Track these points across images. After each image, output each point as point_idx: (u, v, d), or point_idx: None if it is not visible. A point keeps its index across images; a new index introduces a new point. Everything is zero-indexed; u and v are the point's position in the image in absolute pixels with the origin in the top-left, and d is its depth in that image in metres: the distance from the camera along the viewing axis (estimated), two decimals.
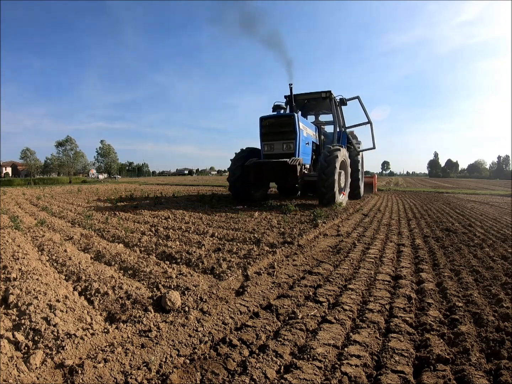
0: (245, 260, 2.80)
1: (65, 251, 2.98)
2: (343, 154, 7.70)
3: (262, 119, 7.70)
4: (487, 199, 11.67)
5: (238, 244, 3.43)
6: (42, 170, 52.98)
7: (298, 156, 7.34)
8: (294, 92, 8.76)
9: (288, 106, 8.72)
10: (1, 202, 8.42)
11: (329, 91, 9.04)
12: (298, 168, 6.94)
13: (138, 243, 3.43)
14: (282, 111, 8.18)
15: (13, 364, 1.23)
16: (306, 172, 7.89)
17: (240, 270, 2.50)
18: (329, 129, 10.92)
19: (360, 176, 10.20)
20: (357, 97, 9.50)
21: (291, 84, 8.17)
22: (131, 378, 1.21)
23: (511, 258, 3.05)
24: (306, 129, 7.92)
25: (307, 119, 10.67)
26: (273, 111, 8.17)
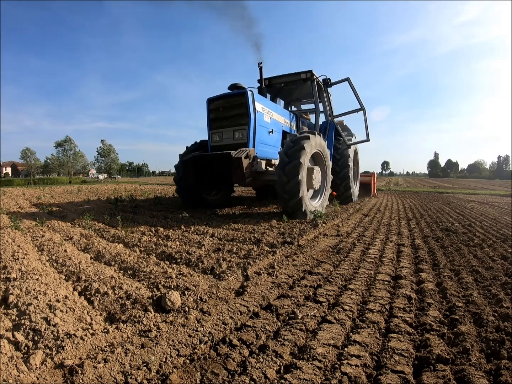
0: (245, 260, 2.80)
1: (65, 251, 2.98)
2: (315, 143, 5.52)
3: (210, 101, 5.90)
4: (487, 199, 11.67)
5: (238, 244, 3.43)
6: (42, 170, 53.01)
7: (253, 147, 5.48)
8: (269, 75, 7.53)
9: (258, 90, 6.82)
10: (1, 202, 8.42)
11: (310, 71, 7.23)
12: (244, 162, 4.99)
13: (138, 243, 3.43)
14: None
15: (13, 364, 1.23)
16: (270, 169, 6.03)
17: (240, 270, 2.50)
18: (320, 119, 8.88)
19: (350, 174, 8.17)
20: (347, 79, 7.53)
21: (261, 63, 6.46)
22: (131, 378, 1.21)
23: (511, 258, 3.06)
24: (269, 112, 6.07)
25: (290, 109, 8.95)
26: None
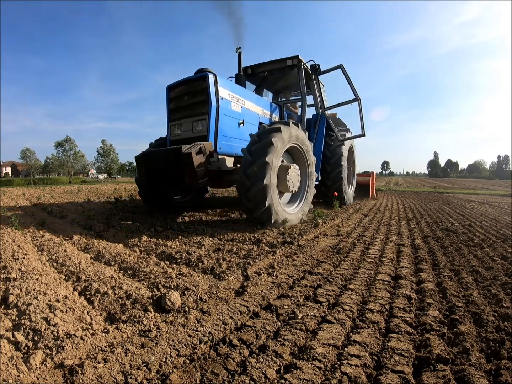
0: (245, 260, 2.80)
1: (65, 251, 2.98)
2: (289, 136, 4.47)
3: (169, 88, 5.00)
4: (487, 199, 11.68)
5: (238, 244, 3.43)
6: (42, 170, 53.02)
7: (214, 140, 4.53)
8: (253, 63, 6.77)
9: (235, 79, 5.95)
10: (1, 202, 8.42)
11: (297, 56, 6.37)
12: (196, 158, 4.01)
13: (138, 243, 3.43)
14: None
15: (13, 364, 1.23)
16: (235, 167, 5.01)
17: (240, 270, 2.50)
18: (311, 111, 7.60)
19: (343, 175, 7.21)
20: (340, 67, 6.54)
21: (239, 48, 5.68)
22: (131, 378, 1.21)
23: (511, 258, 3.06)
24: (240, 100, 5.08)
25: (273, 100, 7.79)
26: None
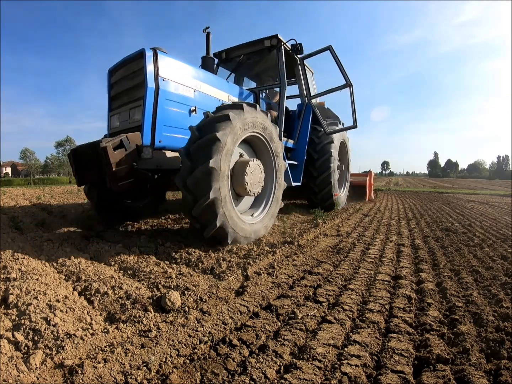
0: (245, 260, 2.80)
1: (65, 251, 2.98)
2: (243, 124, 3.42)
3: (110, 72, 4.18)
4: (487, 199, 11.68)
5: (238, 243, 3.42)
6: (42, 170, 52.98)
7: (152, 131, 3.59)
8: (229, 46, 5.86)
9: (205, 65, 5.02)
10: (1, 202, 8.42)
11: (275, 36, 5.44)
12: (114, 155, 3.13)
13: (138, 243, 3.42)
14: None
15: (13, 364, 1.23)
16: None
17: (240, 270, 2.50)
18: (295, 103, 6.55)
19: (332, 179, 6.14)
20: (328, 48, 5.59)
21: (208, 28, 4.95)
22: (131, 378, 1.21)
23: (511, 258, 3.06)
24: (194, 83, 4.09)
25: (265, 93, 6.43)
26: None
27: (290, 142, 5.95)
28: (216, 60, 5.89)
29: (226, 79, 5.72)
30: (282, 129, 5.41)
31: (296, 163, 5.83)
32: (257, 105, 3.77)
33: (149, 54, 3.58)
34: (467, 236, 4.22)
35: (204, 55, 5.13)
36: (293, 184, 5.35)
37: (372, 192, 10.90)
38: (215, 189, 2.97)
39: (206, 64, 5.09)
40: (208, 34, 4.98)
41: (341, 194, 7.30)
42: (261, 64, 6.22)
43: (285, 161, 4.74)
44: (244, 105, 3.54)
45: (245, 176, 3.49)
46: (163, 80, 3.68)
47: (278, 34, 5.47)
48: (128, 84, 3.89)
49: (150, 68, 3.56)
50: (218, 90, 4.61)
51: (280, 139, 4.75)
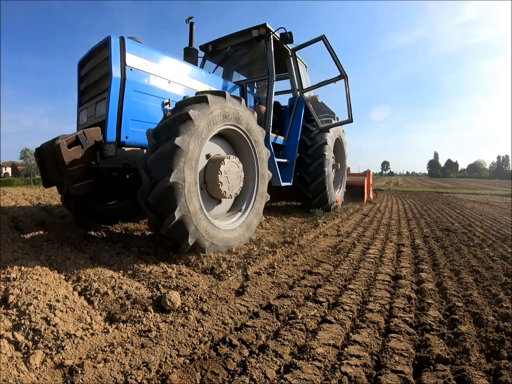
0: (245, 260, 2.80)
1: (65, 251, 2.98)
2: (222, 112, 3.01)
3: (80, 64, 3.88)
4: (487, 199, 11.68)
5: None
6: None
7: (118, 127, 3.22)
8: (214, 38, 5.56)
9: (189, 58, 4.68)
10: (1, 202, 8.42)
11: (264, 25, 5.09)
12: (68, 153, 2.82)
13: (138, 243, 3.42)
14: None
15: (13, 364, 1.23)
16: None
17: (240, 270, 2.50)
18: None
19: (326, 168, 5.72)
20: (321, 38, 5.23)
21: (191, 18, 4.69)
22: (131, 378, 1.21)
23: (511, 258, 3.06)
24: (167, 73, 3.69)
25: (256, 87, 6.09)
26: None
27: (280, 139, 5.56)
28: (204, 54, 5.71)
29: (213, 72, 5.45)
30: (271, 124, 5.09)
31: (286, 161, 5.50)
32: (226, 93, 3.17)
33: (115, 42, 3.22)
34: (467, 236, 4.22)
35: (186, 46, 4.83)
36: (283, 184, 5.08)
37: (371, 192, 10.50)
38: (182, 205, 2.57)
39: (189, 55, 4.77)
40: (191, 25, 4.72)
41: (338, 194, 7.03)
42: (250, 55, 5.75)
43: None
44: (209, 96, 2.93)
45: (219, 177, 3.03)
46: (131, 69, 3.29)
47: (267, 23, 5.15)
48: (96, 76, 3.55)
49: (115, 56, 3.20)
50: (198, 82, 4.21)
51: (268, 134, 4.67)
